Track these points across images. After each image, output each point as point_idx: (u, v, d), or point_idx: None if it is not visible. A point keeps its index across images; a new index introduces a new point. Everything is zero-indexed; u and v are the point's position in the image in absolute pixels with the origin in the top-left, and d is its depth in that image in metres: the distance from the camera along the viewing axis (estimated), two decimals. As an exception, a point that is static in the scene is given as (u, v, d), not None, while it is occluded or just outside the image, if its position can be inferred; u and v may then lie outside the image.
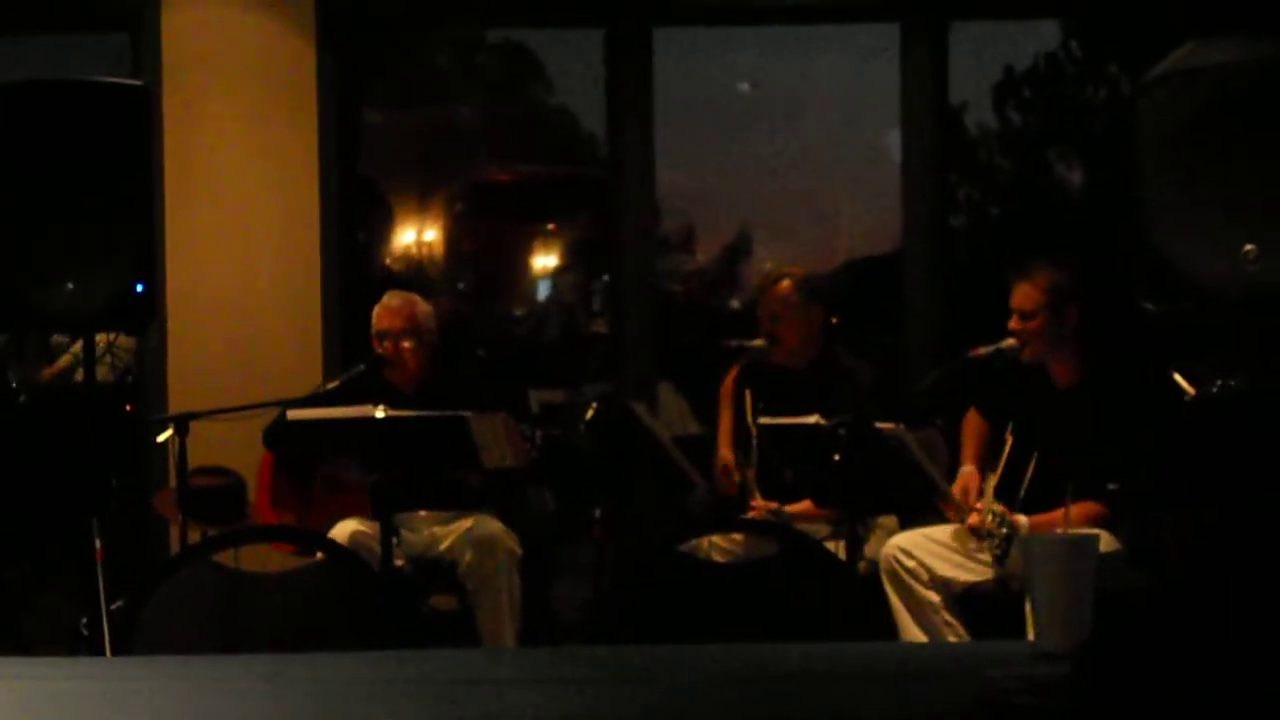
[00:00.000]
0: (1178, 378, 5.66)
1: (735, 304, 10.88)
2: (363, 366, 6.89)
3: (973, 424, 6.50)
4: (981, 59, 9.64)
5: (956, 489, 6.24)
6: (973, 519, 6.07)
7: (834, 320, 7.00)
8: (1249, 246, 3.79)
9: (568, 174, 10.62)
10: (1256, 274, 3.83)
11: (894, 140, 8.54)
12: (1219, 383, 5.33)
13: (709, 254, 11.27)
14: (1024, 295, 6.23)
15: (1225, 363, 5.25)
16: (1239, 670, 2.26)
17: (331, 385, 6.89)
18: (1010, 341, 6.23)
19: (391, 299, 7.00)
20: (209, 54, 7.91)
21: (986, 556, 6.08)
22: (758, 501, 6.69)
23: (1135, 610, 2.44)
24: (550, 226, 10.72)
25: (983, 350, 6.29)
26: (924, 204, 8.29)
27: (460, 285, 10.26)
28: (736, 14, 8.52)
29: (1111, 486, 5.92)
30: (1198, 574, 2.39)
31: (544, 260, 10.66)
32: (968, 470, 6.34)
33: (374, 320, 6.97)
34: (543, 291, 10.67)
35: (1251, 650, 2.27)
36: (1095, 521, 5.77)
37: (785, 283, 6.90)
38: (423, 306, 6.99)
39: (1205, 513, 2.57)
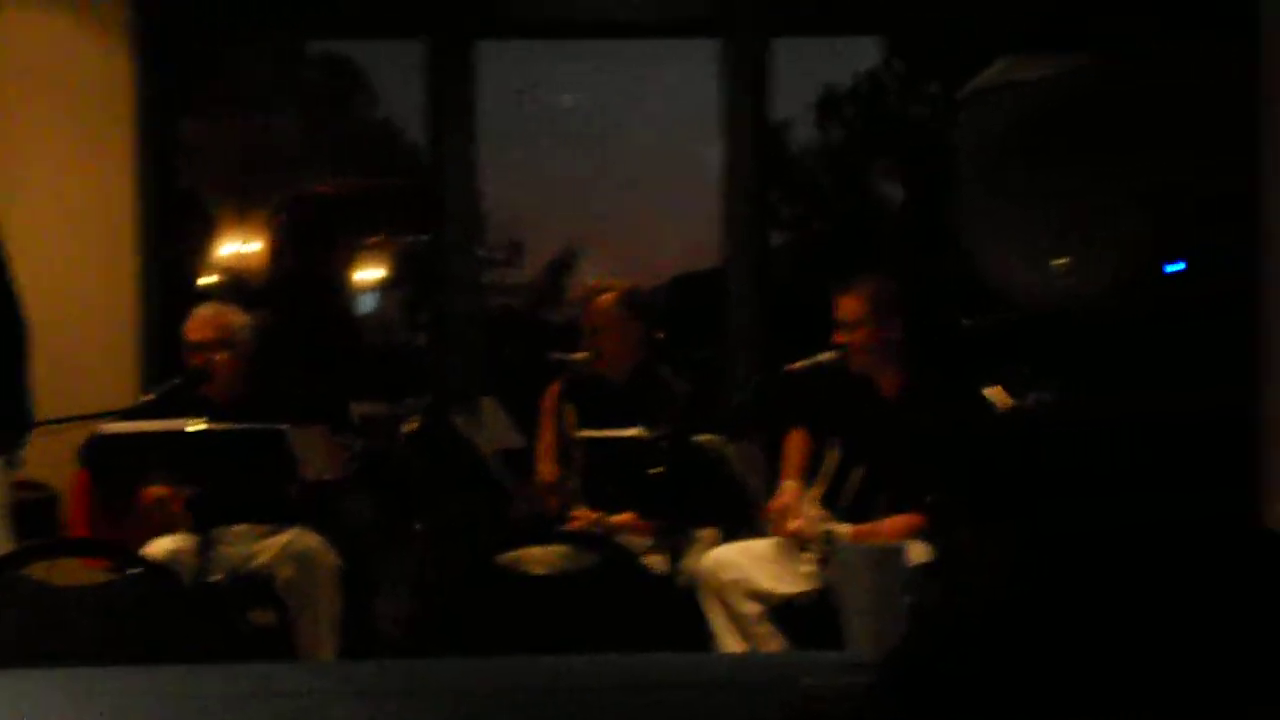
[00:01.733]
0: (994, 390, 5.73)
1: (560, 317, 10.90)
2: (179, 380, 6.81)
3: (796, 440, 6.53)
4: (804, 76, 9.73)
5: (776, 504, 6.27)
6: (794, 524, 6.11)
7: (659, 335, 7.02)
8: (1061, 260, 3.85)
9: (391, 186, 10.59)
10: (1068, 287, 3.89)
11: (717, 156, 8.58)
12: (1033, 395, 5.40)
13: (535, 268, 11.31)
14: (847, 307, 6.29)
15: (1040, 375, 5.32)
16: (1043, 683, 2.29)
17: (147, 399, 6.80)
18: (827, 355, 6.28)
19: (203, 310, 6.93)
20: (20, 65, 7.79)
21: (806, 569, 6.12)
22: (580, 511, 6.69)
23: (941, 621, 2.47)
24: (374, 239, 10.68)
25: (800, 364, 6.34)
26: (745, 220, 8.33)
27: (282, 297, 10.19)
28: (559, 28, 8.53)
29: (929, 498, 5.98)
30: (1005, 586, 2.42)
31: (368, 273, 10.62)
32: (789, 485, 6.37)
33: (186, 333, 6.89)
34: (366, 304, 10.63)
35: (1056, 663, 2.29)
36: (913, 533, 5.84)
37: (607, 297, 6.91)
38: (236, 318, 6.92)
39: (1015, 525, 2.60)
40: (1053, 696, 2.28)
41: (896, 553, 3.07)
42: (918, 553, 5.59)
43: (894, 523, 5.94)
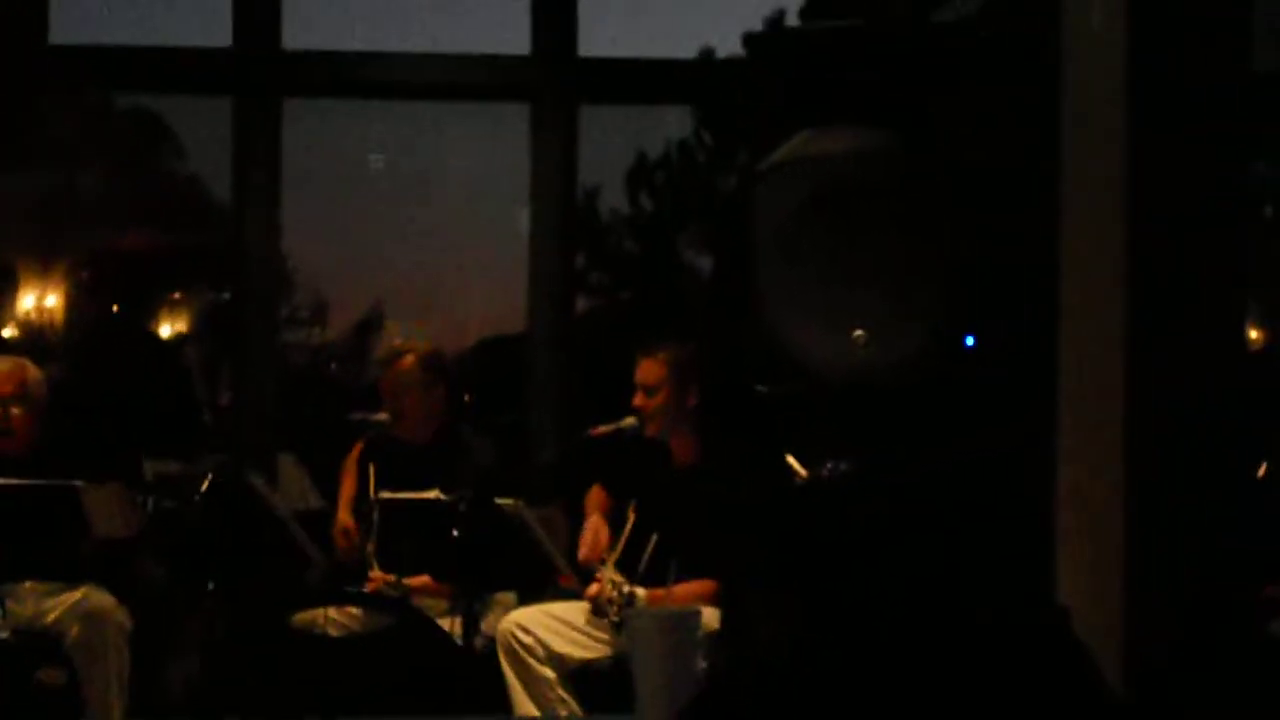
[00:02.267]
0: (790, 460, 5.77)
1: (364, 379, 10.86)
2: (-29, 433, 6.72)
3: (596, 496, 6.54)
4: (615, 144, 9.79)
5: (585, 535, 6.27)
6: (592, 589, 6.13)
7: (467, 398, 7.03)
8: (858, 332, 3.90)
9: (196, 243, 10.51)
10: (864, 358, 3.93)
11: (525, 220, 8.60)
12: (829, 466, 5.45)
13: (340, 328, 11.25)
14: (647, 370, 6.33)
15: (836, 446, 5.37)
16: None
17: (-60, 452, 6.70)
18: (629, 421, 6.31)
19: (0, 364, 6.84)
20: None
21: (603, 634, 6.13)
22: (375, 573, 6.65)
23: (728, 687, 2.48)
24: (176, 295, 10.58)
25: (602, 429, 6.36)
26: (551, 285, 8.36)
27: (80, 352, 10.06)
28: (368, 88, 8.52)
29: (723, 565, 6.02)
30: (788, 655, 2.44)
31: (169, 329, 10.52)
32: (594, 520, 6.37)
33: (-19, 385, 6.80)
34: (166, 361, 10.51)
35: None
36: (706, 599, 5.86)
37: (408, 359, 6.90)
38: (33, 372, 6.83)
39: (800, 594, 2.63)
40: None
41: (690, 618, 3.09)
42: (711, 619, 5.62)
43: (686, 588, 5.96)
